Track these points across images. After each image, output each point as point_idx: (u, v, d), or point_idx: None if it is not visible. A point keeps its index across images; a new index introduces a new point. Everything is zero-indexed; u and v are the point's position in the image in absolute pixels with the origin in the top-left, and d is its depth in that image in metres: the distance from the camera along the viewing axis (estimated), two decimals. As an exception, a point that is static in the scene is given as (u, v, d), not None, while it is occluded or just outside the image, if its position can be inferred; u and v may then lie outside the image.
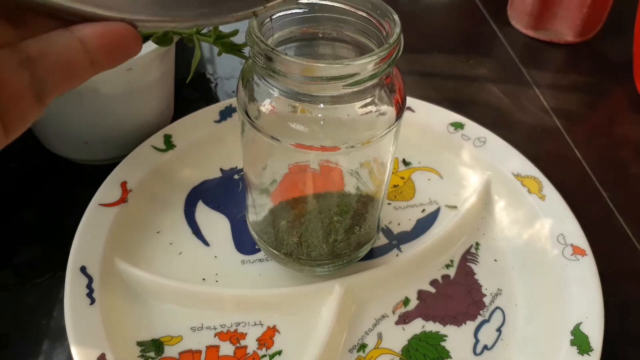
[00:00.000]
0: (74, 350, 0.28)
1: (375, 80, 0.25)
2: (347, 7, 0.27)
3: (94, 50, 0.17)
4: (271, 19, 0.26)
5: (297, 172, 0.32)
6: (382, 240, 0.36)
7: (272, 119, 0.26)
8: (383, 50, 0.24)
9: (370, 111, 0.26)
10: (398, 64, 0.26)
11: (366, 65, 0.24)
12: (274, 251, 0.33)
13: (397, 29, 0.25)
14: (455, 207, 0.38)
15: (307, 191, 0.33)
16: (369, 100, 0.26)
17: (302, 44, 0.28)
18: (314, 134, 0.26)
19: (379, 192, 0.32)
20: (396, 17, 0.25)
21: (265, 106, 0.26)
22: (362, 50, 0.27)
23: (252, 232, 0.34)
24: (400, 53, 0.25)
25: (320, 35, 0.28)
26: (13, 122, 0.17)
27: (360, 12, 0.27)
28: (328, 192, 0.33)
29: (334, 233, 0.32)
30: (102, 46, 0.17)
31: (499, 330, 0.32)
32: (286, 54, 0.24)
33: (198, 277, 0.34)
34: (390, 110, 0.27)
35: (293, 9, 0.27)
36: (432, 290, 0.34)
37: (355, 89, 0.24)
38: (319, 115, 0.26)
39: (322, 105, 0.25)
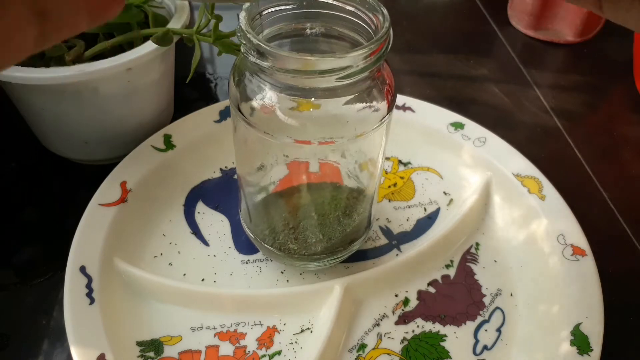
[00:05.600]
0: (73, 350, 0.28)
1: (366, 74, 0.25)
2: (335, 2, 0.27)
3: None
4: (260, 16, 0.26)
5: (290, 169, 0.32)
6: (382, 240, 0.36)
7: (265, 115, 0.26)
8: (373, 43, 0.24)
9: (363, 104, 0.26)
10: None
11: (357, 58, 0.24)
12: (270, 247, 0.33)
13: (387, 23, 0.25)
14: (455, 206, 0.38)
15: (301, 188, 0.33)
16: (360, 93, 0.26)
17: (292, 40, 0.28)
18: (306, 128, 0.26)
19: (371, 186, 0.32)
20: (384, 10, 0.26)
21: (258, 102, 0.26)
22: (351, 45, 0.28)
23: (247, 230, 0.34)
24: (390, 46, 0.25)
25: (310, 31, 0.28)
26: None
27: (348, 7, 0.27)
28: (321, 188, 0.33)
29: (329, 228, 0.32)
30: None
31: (498, 330, 0.32)
32: (278, 48, 0.24)
33: (197, 277, 0.34)
34: (381, 103, 0.27)
35: (282, 5, 0.27)
36: (432, 290, 0.34)
37: (347, 81, 0.25)
38: (312, 109, 0.26)
39: (314, 99, 0.26)
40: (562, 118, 0.47)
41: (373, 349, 0.31)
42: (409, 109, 0.42)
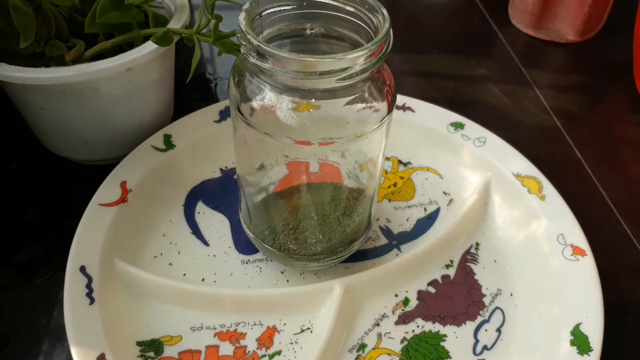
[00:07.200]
0: (73, 350, 0.28)
1: (366, 75, 0.25)
2: (335, 3, 0.27)
3: None
4: (260, 16, 0.26)
5: (290, 169, 0.32)
6: (382, 240, 0.36)
7: (265, 116, 0.26)
8: (373, 45, 0.24)
9: (363, 105, 0.26)
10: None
11: (357, 59, 0.24)
12: (269, 248, 0.33)
13: (387, 24, 0.25)
14: (455, 206, 0.38)
15: (301, 188, 0.33)
16: (361, 94, 0.26)
17: (292, 40, 0.28)
18: (306, 129, 0.26)
19: (371, 186, 0.32)
20: (385, 11, 0.26)
21: (258, 102, 0.26)
22: (351, 46, 0.28)
23: (247, 230, 0.34)
24: (390, 47, 0.25)
25: (310, 31, 0.28)
26: None
27: (348, 7, 0.27)
28: (321, 189, 0.33)
29: (329, 229, 0.32)
30: None
31: (498, 330, 0.32)
32: (278, 49, 0.24)
33: (197, 277, 0.34)
34: (381, 104, 0.27)
35: (282, 5, 0.27)
36: (432, 290, 0.34)
37: (347, 82, 0.24)
38: (312, 110, 0.26)
39: (314, 100, 0.26)
40: (562, 118, 0.47)
41: (373, 349, 0.31)
42: (409, 109, 0.42)
